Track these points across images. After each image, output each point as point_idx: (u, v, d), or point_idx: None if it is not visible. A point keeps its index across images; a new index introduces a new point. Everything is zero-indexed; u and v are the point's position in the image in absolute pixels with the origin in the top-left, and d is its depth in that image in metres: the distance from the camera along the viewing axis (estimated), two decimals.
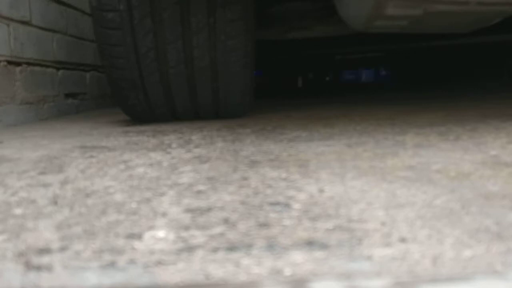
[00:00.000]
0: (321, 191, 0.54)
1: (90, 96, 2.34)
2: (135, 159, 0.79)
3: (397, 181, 0.57)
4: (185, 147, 0.91)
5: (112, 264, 0.37)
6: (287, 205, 0.49)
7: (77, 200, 0.55)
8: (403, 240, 0.39)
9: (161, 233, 0.43)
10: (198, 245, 0.40)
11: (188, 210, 0.49)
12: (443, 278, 0.32)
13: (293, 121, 1.29)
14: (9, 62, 1.61)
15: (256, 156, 0.77)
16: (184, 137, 1.06)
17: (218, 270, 0.35)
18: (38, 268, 0.37)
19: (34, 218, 0.49)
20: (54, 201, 0.55)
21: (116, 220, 0.47)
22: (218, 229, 0.43)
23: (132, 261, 0.37)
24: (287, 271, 0.34)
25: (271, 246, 0.39)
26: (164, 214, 0.48)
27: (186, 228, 0.44)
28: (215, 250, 0.38)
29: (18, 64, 1.66)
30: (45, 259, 0.38)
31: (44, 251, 0.40)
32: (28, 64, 1.73)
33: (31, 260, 0.38)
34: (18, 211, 0.52)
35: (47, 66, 1.89)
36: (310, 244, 0.39)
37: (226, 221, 0.45)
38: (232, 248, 0.39)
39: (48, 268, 0.37)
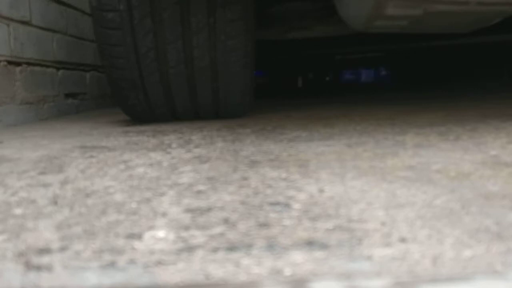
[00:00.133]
0: (321, 191, 0.54)
1: (90, 96, 2.34)
2: (135, 159, 0.79)
3: (397, 181, 0.57)
4: (185, 147, 0.91)
5: (112, 264, 0.37)
6: (287, 205, 0.49)
7: (77, 200, 0.55)
8: (403, 240, 0.39)
9: (161, 233, 0.43)
10: (198, 245, 0.40)
11: (188, 210, 0.49)
12: (443, 278, 0.32)
13: (293, 121, 1.29)
14: (9, 62, 1.61)
15: (256, 156, 0.77)
16: (184, 137, 1.06)
17: (218, 270, 0.35)
18: (38, 268, 0.37)
19: (34, 218, 0.49)
20: (54, 201, 0.55)
21: (116, 220, 0.47)
22: (218, 229, 0.43)
23: (132, 261, 0.37)
24: (287, 271, 0.34)
25: (271, 246, 0.39)
26: (164, 214, 0.48)
27: (186, 228, 0.44)
28: (215, 250, 0.38)
29: (18, 64, 1.66)
30: (45, 259, 0.38)
31: (44, 251, 0.40)
32: (28, 64, 1.73)
33: (31, 260, 0.38)
34: (18, 211, 0.52)
35: (47, 66, 1.89)
36: (310, 244, 0.39)
37: (226, 221, 0.45)
38: (232, 248, 0.39)
39: (48, 268, 0.37)
